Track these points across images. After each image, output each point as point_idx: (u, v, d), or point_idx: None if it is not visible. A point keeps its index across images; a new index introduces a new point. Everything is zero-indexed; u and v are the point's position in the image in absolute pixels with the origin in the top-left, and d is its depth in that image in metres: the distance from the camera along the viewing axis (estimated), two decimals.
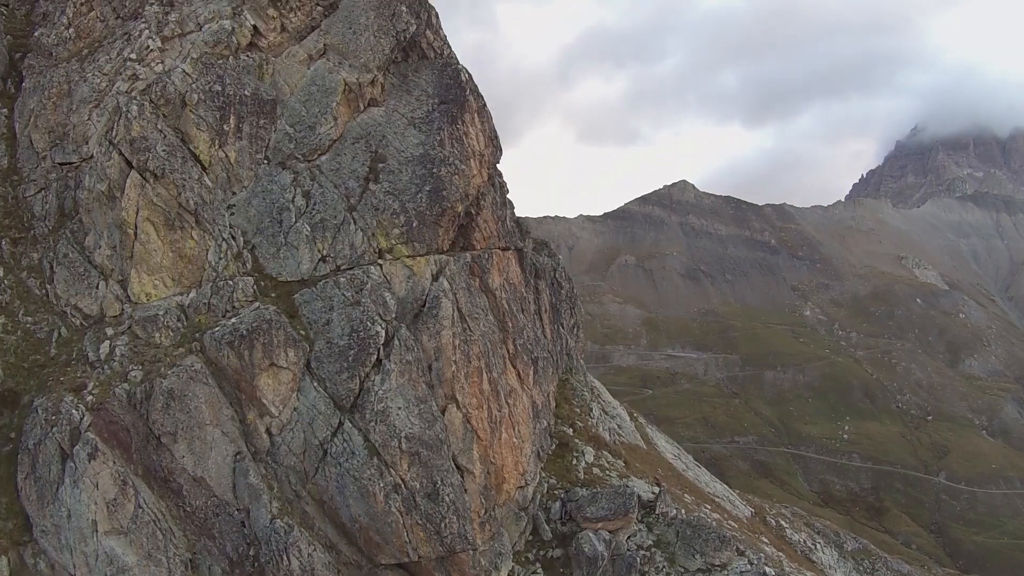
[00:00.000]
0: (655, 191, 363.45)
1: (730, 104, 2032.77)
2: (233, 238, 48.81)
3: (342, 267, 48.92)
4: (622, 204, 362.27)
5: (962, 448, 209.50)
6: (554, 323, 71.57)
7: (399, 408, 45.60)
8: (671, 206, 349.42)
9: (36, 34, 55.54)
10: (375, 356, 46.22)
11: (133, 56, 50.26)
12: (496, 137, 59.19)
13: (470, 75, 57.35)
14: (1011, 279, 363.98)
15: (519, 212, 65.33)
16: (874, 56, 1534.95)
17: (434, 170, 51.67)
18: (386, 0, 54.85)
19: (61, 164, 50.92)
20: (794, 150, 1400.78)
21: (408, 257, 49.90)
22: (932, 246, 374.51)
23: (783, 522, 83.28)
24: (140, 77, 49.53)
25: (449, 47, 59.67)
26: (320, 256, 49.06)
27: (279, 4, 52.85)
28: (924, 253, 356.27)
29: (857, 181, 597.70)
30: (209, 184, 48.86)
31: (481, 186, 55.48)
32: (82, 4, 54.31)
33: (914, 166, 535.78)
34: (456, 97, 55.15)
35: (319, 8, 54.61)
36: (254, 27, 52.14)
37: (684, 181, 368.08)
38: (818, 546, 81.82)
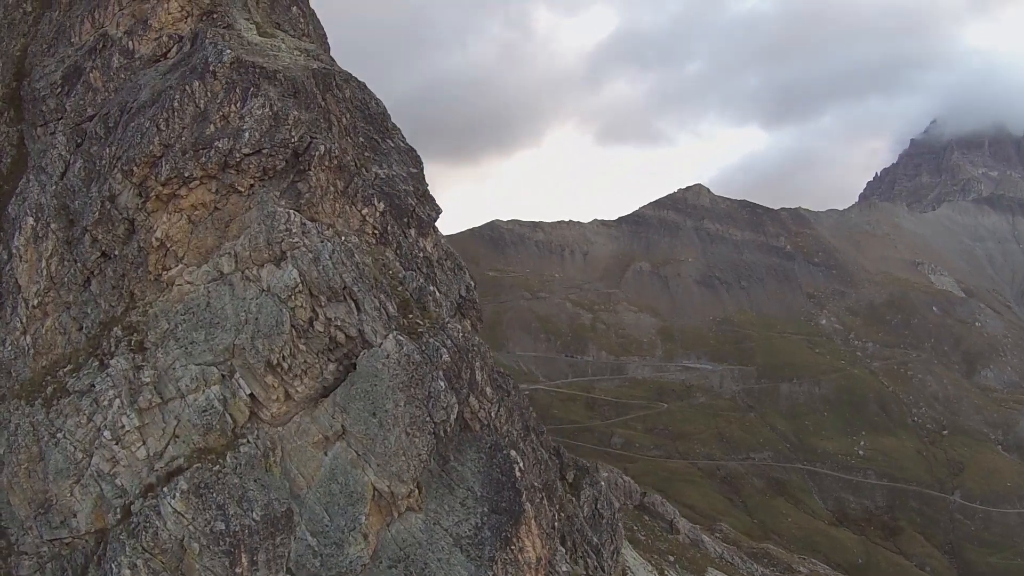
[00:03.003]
0: (670, 195, 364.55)
1: (750, 105, 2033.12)
2: None
3: None
4: (637, 208, 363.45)
5: (978, 465, 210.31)
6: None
7: None
8: (686, 210, 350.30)
9: None
10: None
11: (108, 434, 41.59)
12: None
13: (522, 469, 48.11)
14: None
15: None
16: (897, 58, 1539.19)
17: None
18: (417, 375, 42.26)
19: (51, 540, 42.69)
20: (811, 150, 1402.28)
21: None
22: (948, 250, 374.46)
23: None
24: (120, 462, 41.49)
25: (495, 405, 50.26)
26: None
27: (280, 370, 42.08)
28: (940, 258, 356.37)
29: (871, 179, 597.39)
30: None
31: None
32: (35, 308, 46.97)
33: (928, 165, 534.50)
34: (510, 506, 45.45)
35: (331, 367, 43.00)
36: (251, 395, 42.34)
37: (699, 185, 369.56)
38: None
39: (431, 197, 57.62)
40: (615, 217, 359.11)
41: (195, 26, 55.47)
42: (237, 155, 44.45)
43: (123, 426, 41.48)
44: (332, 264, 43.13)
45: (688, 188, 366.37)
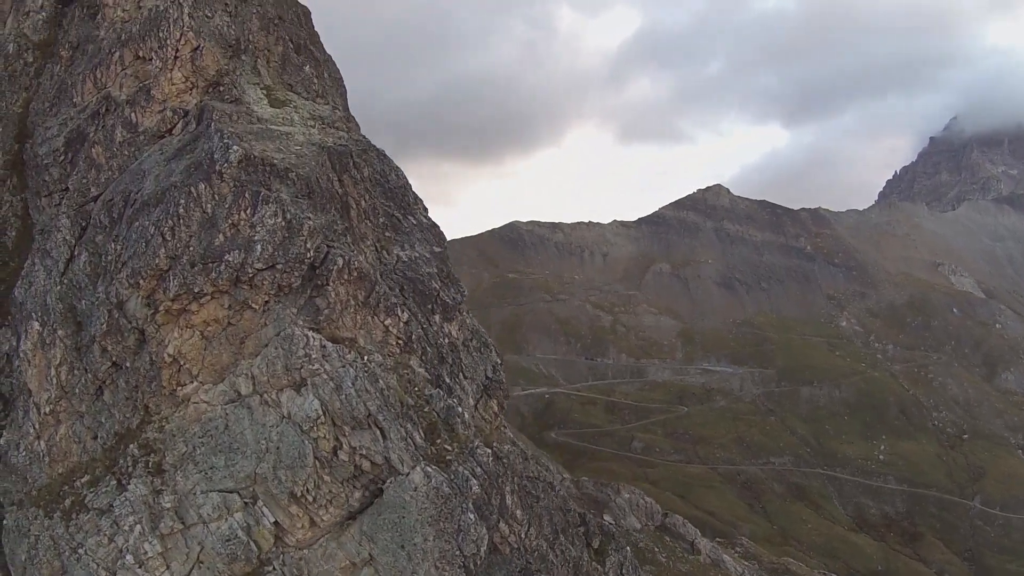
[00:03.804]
0: (689, 195, 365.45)
1: (771, 103, 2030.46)
2: None
3: None
4: (656, 209, 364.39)
5: (998, 470, 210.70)
6: None
7: None
8: (706, 211, 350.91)
9: (1, 440, 47.54)
10: None
11: (130, 558, 40.79)
12: None
13: None
14: None
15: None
16: (917, 56, 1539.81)
17: None
18: (446, 509, 40.94)
19: None
20: (831, 148, 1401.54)
21: None
22: (968, 250, 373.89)
23: None
24: None
25: (524, 526, 48.87)
26: None
27: (304, 501, 41.07)
28: (960, 258, 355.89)
29: (891, 178, 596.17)
30: None
31: None
32: (47, 414, 45.96)
33: (948, 164, 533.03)
34: None
35: (356, 494, 41.71)
36: (275, 522, 41.54)
37: (719, 185, 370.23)
38: None
39: (455, 278, 55.72)
40: (635, 218, 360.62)
41: (201, 99, 54.08)
42: (249, 270, 42.71)
43: (146, 552, 40.78)
44: (355, 392, 41.66)
45: (708, 188, 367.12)
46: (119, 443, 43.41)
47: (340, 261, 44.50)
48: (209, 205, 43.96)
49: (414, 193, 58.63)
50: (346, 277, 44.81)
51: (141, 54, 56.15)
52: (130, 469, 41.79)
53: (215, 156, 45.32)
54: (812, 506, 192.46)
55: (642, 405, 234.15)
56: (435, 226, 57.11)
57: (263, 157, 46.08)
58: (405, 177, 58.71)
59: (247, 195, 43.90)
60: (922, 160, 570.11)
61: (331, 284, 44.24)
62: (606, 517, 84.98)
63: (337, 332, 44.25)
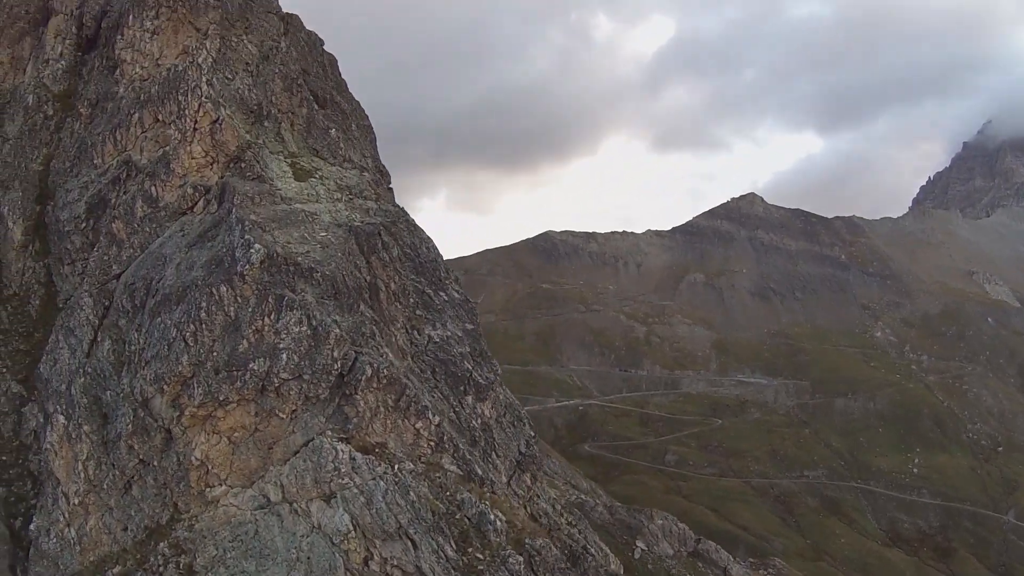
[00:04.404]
0: (723, 204, 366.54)
1: (806, 110, 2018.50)
2: None
3: None
4: (691, 218, 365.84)
5: None
6: None
7: None
8: (740, 220, 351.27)
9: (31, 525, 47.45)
10: None
11: None
12: None
13: None
14: None
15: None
16: (952, 61, 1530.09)
17: None
18: None
19: None
20: (865, 154, 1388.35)
21: None
22: (1002, 258, 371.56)
23: None
24: None
25: None
26: None
27: None
28: (994, 266, 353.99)
29: (924, 183, 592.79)
30: None
31: None
32: (77, 505, 45.86)
33: (981, 168, 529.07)
34: None
35: None
36: None
37: (753, 194, 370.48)
38: None
39: (488, 356, 54.90)
40: (669, 227, 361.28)
41: (222, 174, 53.98)
42: (275, 379, 42.35)
43: None
44: (386, 506, 41.17)
45: (742, 197, 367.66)
46: (149, 538, 43.50)
47: (369, 369, 43.90)
48: (232, 308, 43.85)
49: (445, 265, 58.25)
50: (375, 385, 44.33)
51: (160, 117, 57.25)
52: (161, 569, 41.59)
53: (236, 255, 44.93)
54: (845, 520, 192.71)
55: (676, 417, 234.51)
56: (467, 302, 56.89)
57: (286, 255, 45.59)
58: (436, 249, 58.43)
59: (271, 299, 43.59)
60: (956, 165, 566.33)
61: (360, 393, 43.76)
62: (639, 543, 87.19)
63: (367, 439, 43.85)
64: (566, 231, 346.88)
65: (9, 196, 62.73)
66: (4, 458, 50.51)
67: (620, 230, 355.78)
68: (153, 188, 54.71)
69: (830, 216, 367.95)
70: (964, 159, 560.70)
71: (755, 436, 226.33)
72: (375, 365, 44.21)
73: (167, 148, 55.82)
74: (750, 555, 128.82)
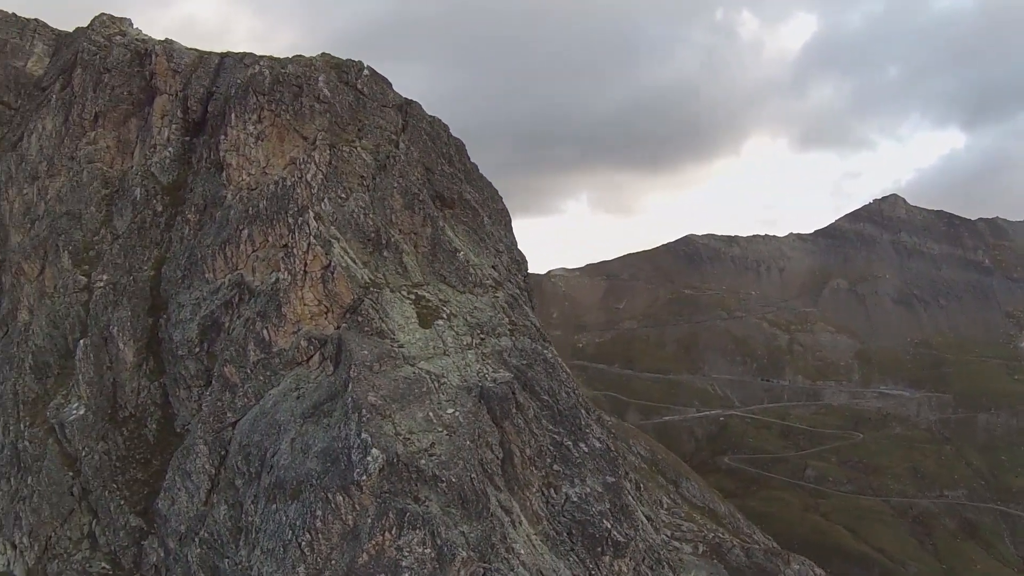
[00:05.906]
0: (865, 207, 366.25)
1: (950, 106, 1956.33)
2: None
3: None
4: (833, 221, 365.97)
5: None
6: None
7: None
8: (882, 223, 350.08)
9: None
10: None
11: None
12: None
13: None
14: None
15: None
16: None
17: None
18: None
19: None
20: (1009, 149, 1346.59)
21: None
22: None
23: None
24: None
25: None
26: None
27: None
28: None
29: None
30: None
31: None
32: None
33: None
34: None
35: None
36: None
37: (895, 195, 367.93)
38: None
39: (628, 511, 52.52)
40: (811, 230, 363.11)
41: (338, 323, 51.51)
42: None
43: None
44: None
45: (884, 199, 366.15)
46: None
47: None
48: (350, 517, 41.43)
49: (585, 412, 55.65)
50: None
51: (271, 240, 55.36)
52: None
53: (353, 458, 42.54)
54: (983, 544, 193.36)
55: (816, 430, 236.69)
56: (608, 451, 54.11)
57: (407, 458, 42.75)
58: (576, 394, 55.82)
59: (391, 515, 40.57)
60: None
61: None
62: None
63: None
64: (708, 234, 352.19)
65: (118, 315, 61.26)
66: None
67: (762, 233, 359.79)
68: (265, 331, 52.67)
69: (973, 217, 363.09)
70: None
71: (896, 452, 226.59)
72: None
73: (280, 275, 53.89)
74: None
